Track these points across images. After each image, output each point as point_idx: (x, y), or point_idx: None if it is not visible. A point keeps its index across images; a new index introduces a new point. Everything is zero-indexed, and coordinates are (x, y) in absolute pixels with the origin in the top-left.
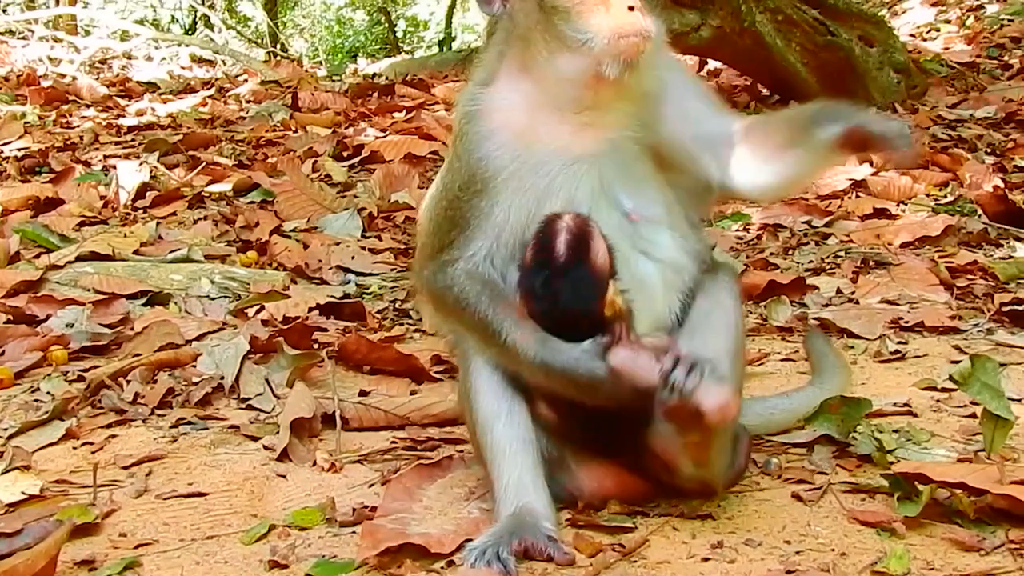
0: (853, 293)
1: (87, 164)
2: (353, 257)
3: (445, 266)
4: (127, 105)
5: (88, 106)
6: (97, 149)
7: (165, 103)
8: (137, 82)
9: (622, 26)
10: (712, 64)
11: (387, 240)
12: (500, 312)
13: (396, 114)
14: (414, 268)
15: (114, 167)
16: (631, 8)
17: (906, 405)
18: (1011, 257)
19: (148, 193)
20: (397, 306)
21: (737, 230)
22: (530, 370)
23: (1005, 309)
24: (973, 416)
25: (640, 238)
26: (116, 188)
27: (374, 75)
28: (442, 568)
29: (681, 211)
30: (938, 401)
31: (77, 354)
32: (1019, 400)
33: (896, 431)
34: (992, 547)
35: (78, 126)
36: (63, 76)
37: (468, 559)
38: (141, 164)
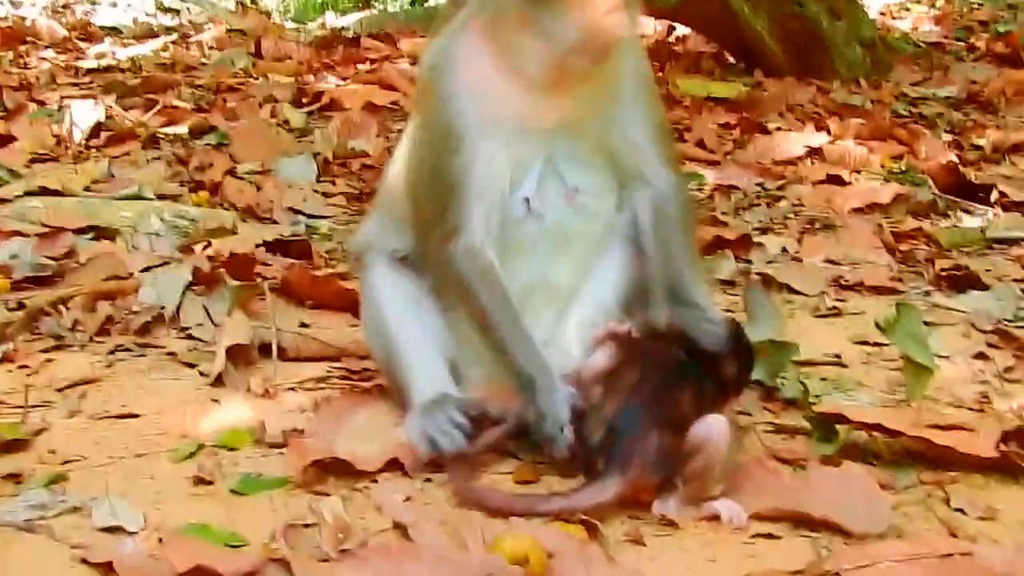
0: (798, 252)
1: (42, 104)
2: (305, 200)
3: (446, 240)
4: (87, 48)
5: (47, 47)
6: (54, 90)
7: (126, 47)
8: (99, 27)
9: (599, 25)
10: (680, 30)
11: (341, 185)
12: (499, 308)
13: (360, 66)
14: (418, 241)
15: (68, 106)
16: (611, 9)
17: (837, 356)
18: (956, 227)
19: (102, 132)
20: (345, 247)
21: (691, 189)
22: (508, 371)
23: (944, 273)
24: (901, 369)
25: (579, 213)
26: (70, 126)
27: (341, 28)
28: (366, 487)
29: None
30: (869, 354)
31: (20, 284)
32: (948, 357)
33: (824, 379)
34: (904, 487)
35: (36, 67)
36: (23, 19)
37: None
38: (97, 104)
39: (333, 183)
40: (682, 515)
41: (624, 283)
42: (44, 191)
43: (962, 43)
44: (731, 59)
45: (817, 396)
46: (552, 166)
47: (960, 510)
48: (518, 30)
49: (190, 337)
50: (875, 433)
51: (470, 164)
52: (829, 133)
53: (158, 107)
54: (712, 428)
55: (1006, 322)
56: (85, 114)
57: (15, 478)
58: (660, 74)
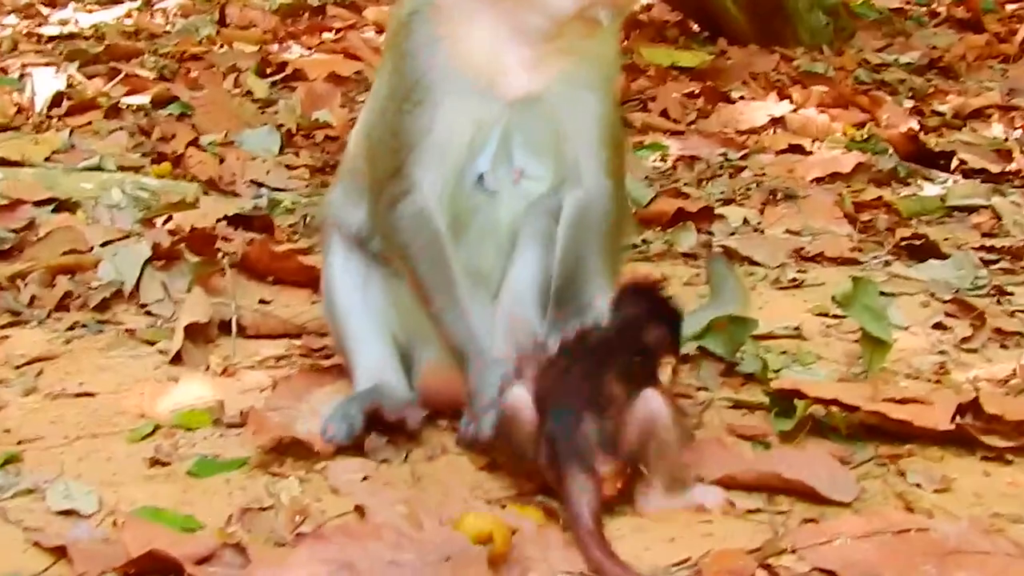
0: (759, 223)
1: (3, 71)
2: (268, 172)
3: (396, 200)
4: (50, 14)
5: (9, 12)
6: (15, 57)
7: (90, 13)
8: None
9: None
10: None
11: (304, 157)
12: (440, 279)
13: (325, 34)
14: (370, 200)
15: (30, 75)
16: None
17: (796, 329)
18: (916, 195)
19: (64, 101)
20: (307, 221)
21: (654, 160)
22: (445, 345)
23: (903, 243)
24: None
25: (520, 197)
26: (31, 95)
27: None
28: (322, 468)
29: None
30: (828, 326)
31: None
32: (907, 328)
33: (784, 352)
34: (860, 461)
35: None
36: None
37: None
38: (58, 72)
39: (297, 155)
40: (668, 507)
41: (544, 281)
42: (3, 162)
43: (923, 8)
44: (695, 27)
45: (776, 370)
46: (506, 141)
47: (917, 484)
48: None
49: (149, 314)
50: (832, 408)
51: (433, 121)
52: (792, 102)
53: (121, 76)
54: (650, 403)
55: (965, 291)
56: (47, 83)
57: None
58: (625, 43)
